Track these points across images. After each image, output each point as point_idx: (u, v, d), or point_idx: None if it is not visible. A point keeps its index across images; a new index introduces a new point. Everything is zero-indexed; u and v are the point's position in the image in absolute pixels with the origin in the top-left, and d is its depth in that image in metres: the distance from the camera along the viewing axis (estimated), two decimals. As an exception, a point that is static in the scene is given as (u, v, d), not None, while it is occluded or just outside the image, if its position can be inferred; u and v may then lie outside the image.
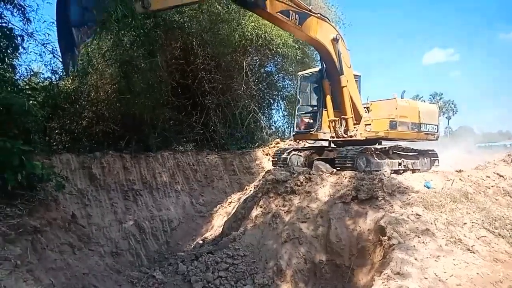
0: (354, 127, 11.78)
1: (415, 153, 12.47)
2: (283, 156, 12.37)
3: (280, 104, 22.56)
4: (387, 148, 11.59)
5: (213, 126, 17.54)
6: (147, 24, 13.75)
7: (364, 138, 11.65)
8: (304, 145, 15.34)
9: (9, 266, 4.98)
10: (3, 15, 8.36)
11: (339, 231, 8.37)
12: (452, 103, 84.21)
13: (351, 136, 11.79)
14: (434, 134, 13.01)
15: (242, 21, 16.37)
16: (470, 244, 6.85)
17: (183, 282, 8.27)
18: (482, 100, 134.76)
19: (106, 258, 9.26)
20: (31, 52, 10.22)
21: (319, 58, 13.07)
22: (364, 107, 12.15)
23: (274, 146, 18.04)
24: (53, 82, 12.28)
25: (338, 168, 10.71)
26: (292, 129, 15.65)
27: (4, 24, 8.15)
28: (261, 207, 9.97)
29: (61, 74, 12.54)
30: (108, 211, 12.37)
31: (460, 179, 9.81)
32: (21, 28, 8.88)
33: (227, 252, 8.78)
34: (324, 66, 11.92)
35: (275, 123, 22.83)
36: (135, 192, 13.40)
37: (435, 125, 13.05)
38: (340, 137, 11.93)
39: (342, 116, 11.80)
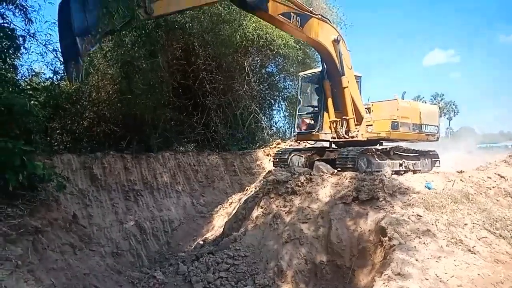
0: (356, 128, 11.78)
1: (416, 154, 12.48)
2: (284, 156, 12.36)
3: (281, 105, 22.62)
4: (388, 149, 11.59)
5: (214, 126, 17.54)
6: (148, 25, 13.76)
7: (366, 139, 11.64)
8: (305, 145, 15.35)
9: (10, 266, 4.99)
10: (5, 16, 8.38)
11: (340, 231, 8.36)
12: (453, 104, 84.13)
13: (352, 137, 11.78)
14: (434, 135, 13.01)
15: (244, 21, 16.40)
16: (471, 245, 6.84)
17: (184, 282, 8.28)
18: (482, 101, 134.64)
19: (107, 259, 9.26)
20: (32, 52, 10.25)
21: (320, 59, 13.07)
22: (365, 108, 12.14)
23: (275, 147, 18.04)
24: (55, 83, 12.28)
25: (339, 169, 10.70)
26: (293, 129, 15.69)
27: (6, 24, 8.16)
28: (262, 207, 9.97)
29: (63, 74, 12.57)
30: (109, 211, 12.37)
31: (461, 180, 9.79)
32: (23, 28, 8.90)
33: (228, 253, 8.78)
34: (325, 67, 11.92)
35: (276, 124, 22.90)
36: (136, 192, 13.41)
37: (435, 126, 13.05)
38: (342, 138, 11.93)
39: (343, 117, 11.79)
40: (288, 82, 21.99)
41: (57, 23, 7.17)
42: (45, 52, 10.64)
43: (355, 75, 12.07)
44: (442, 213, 7.82)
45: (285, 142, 18.95)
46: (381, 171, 10.31)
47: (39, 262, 6.16)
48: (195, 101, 17.28)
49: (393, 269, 6.13)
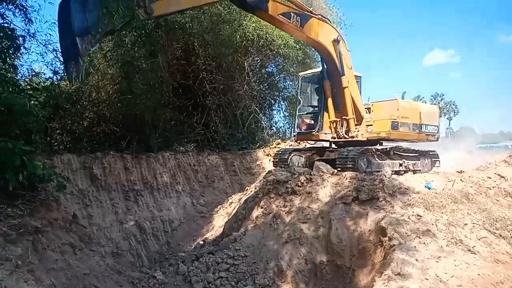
0: (356, 128, 11.77)
1: (416, 154, 12.48)
2: (284, 156, 12.36)
3: (281, 105, 22.62)
4: (388, 149, 11.59)
5: (214, 126, 17.54)
6: (148, 25, 13.76)
7: (366, 139, 11.64)
8: (305, 145, 15.36)
9: (10, 266, 4.99)
10: (5, 16, 8.38)
11: (340, 231, 8.36)
12: (453, 104, 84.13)
13: (352, 137, 11.77)
14: (434, 135, 13.01)
15: (244, 21, 16.41)
16: (471, 245, 6.84)
17: (184, 282, 8.28)
18: (482, 101, 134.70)
19: (107, 259, 9.26)
20: (32, 52, 10.25)
21: (320, 59, 13.07)
22: (365, 108, 12.14)
23: (275, 147, 18.04)
24: (55, 83, 12.28)
25: (339, 169, 10.70)
26: (293, 129, 15.69)
27: (6, 24, 8.16)
28: (261, 207, 9.97)
29: (63, 74, 12.58)
30: (109, 211, 12.37)
31: (461, 180, 9.79)
32: (23, 28, 8.90)
33: (228, 253, 8.78)
34: (325, 67, 11.91)
35: (276, 124, 22.90)
36: (136, 192, 13.41)
37: (435, 126, 13.05)
38: (342, 138, 11.92)
39: (343, 117, 11.79)
40: (288, 82, 22.01)
41: (57, 23, 7.17)
42: (45, 52, 10.64)
43: (355, 75, 12.07)
44: (442, 213, 7.82)
45: (285, 142, 18.95)
46: (381, 171, 10.31)
47: (39, 262, 6.17)
48: (195, 101, 17.28)
49: (393, 269, 6.13)
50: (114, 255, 11.20)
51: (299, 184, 9.81)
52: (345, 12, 22.33)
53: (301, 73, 13.51)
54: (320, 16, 11.07)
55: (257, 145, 19.30)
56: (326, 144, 13.01)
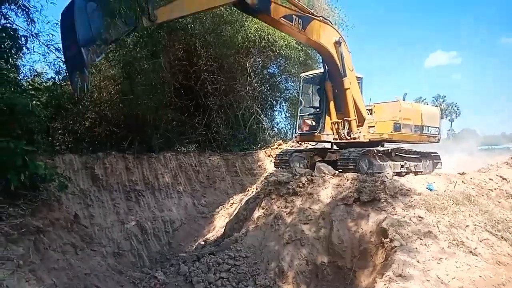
0: (358, 129, 11.75)
1: (418, 156, 12.46)
2: (285, 157, 12.35)
3: (283, 106, 22.61)
4: (389, 150, 11.57)
5: (215, 127, 17.54)
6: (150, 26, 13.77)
7: (368, 140, 11.61)
8: (306, 146, 15.35)
9: (12, 266, 5.00)
10: (7, 16, 8.42)
11: (341, 233, 8.35)
12: (455, 106, 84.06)
13: (354, 138, 11.75)
14: (435, 137, 12.99)
15: (245, 22, 16.42)
16: (473, 247, 6.83)
17: (185, 283, 8.28)
18: (484, 103, 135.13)
19: (108, 259, 9.27)
20: (34, 52, 10.29)
21: (321, 60, 13.06)
22: (367, 109, 12.12)
23: (277, 148, 18.04)
24: (57, 83, 12.32)
25: (340, 170, 10.68)
26: (294, 130, 15.68)
27: (8, 25, 8.20)
28: (263, 208, 9.97)
29: (65, 74, 12.60)
30: (111, 211, 12.39)
31: (462, 181, 9.78)
32: (25, 28, 8.95)
33: (229, 253, 8.77)
34: (327, 68, 11.91)
35: (277, 125, 22.87)
36: (138, 192, 13.42)
37: (436, 127, 13.03)
38: (343, 139, 11.91)
39: (345, 118, 11.77)
40: (290, 83, 22.03)
41: (60, 32, 7.15)
42: (47, 52, 10.69)
43: (356, 76, 12.05)
44: (443, 214, 7.81)
45: (286, 143, 18.95)
46: (383, 172, 10.31)
47: (40, 262, 6.18)
48: (197, 102, 17.29)
49: (394, 271, 6.13)
50: (115, 255, 11.21)
51: (301, 185, 9.81)
52: (346, 13, 22.28)
53: (302, 74, 13.51)
54: (321, 18, 11.07)
55: (259, 146, 19.30)
56: (328, 145, 13.01)
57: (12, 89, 7.85)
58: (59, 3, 10.05)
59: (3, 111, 6.75)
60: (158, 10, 7.47)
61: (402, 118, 11.46)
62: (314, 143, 13.96)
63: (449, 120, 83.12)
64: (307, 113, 12.77)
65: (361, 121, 11.84)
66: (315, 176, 10.25)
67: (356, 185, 9.13)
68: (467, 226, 7.50)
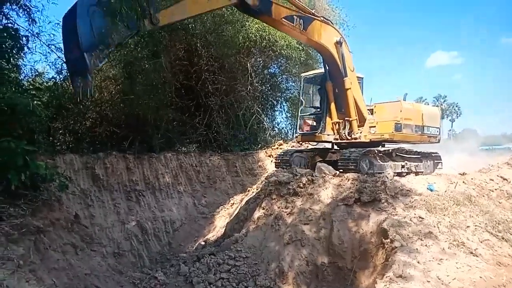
0: (359, 129, 11.74)
1: (418, 156, 12.44)
2: (286, 157, 12.35)
3: (284, 106, 22.61)
4: (390, 151, 11.56)
5: (216, 127, 17.54)
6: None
7: (369, 140, 11.60)
8: (307, 147, 15.34)
9: (12, 266, 5.00)
10: (9, 16, 8.43)
11: (342, 233, 8.35)
12: (456, 106, 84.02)
13: (355, 138, 11.74)
14: (436, 137, 12.97)
15: (246, 22, 16.41)
16: (473, 248, 6.82)
17: (185, 283, 8.27)
18: (484, 103, 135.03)
19: (108, 259, 9.29)
20: (36, 52, 10.29)
21: (322, 60, 13.05)
22: (368, 109, 12.11)
23: (277, 148, 18.04)
24: (58, 83, 12.33)
25: (341, 170, 10.69)
26: (295, 130, 15.68)
27: (9, 25, 8.21)
28: (263, 208, 9.96)
29: (65, 74, 12.60)
30: (111, 211, 12.39)
31: (463, 182, 9.77)
32: (26, 28, 8.96)
33: (229, 254, 8.77)
34: (327, 68, 11.90)
35: (278, 125, 22.85)
36: (138, 192, 13.42)
37: (437, 127, 13.01)
38: (344, 139, 11.90)
39: (346, 118, 11.76)
40: (291, 83, 22.02)
41: (62, 37, 7.12)
42: (49, 52, 10.70)
43: (357, 76, 12.04)
44: (444, 215, 7.80)
45: (287, 143, 18.95)
46: (383, 172, 10.29)
47: (40, 262, 6.18)
48: (198, 102, 17.29)
49: (395, 271, 6.12)
50: (115, 255, 11.21)
51: (301, 185, 9.80)
52: (347, 12, 22.24)
53: (303, 74, 13.51)
54: (322, 18, 11.06)
55: (259, 146, 19.31)
56: (328, 146, 13.01)
57: (13, 89, 7.85)
58: (60, 3, 10.09)
59: (4, 111, 6.76)
60: (160, 13, 7.46)
61: (403, 118, 11.44)
62: (314, 143, 13.96)
63: (450, 120, 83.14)
64: (308, 113, 12.78)
65: (362, 121, 11.83)
66: (316, 176, 10.25)
67: (356, 185, 9.12)
68: (467, 226, 7.50)
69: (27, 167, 6.52)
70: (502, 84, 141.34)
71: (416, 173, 11.76)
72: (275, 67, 21.46)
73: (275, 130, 21.62)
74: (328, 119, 11.94)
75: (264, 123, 19.42)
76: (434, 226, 7.32)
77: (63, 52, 8.42)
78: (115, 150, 13.80)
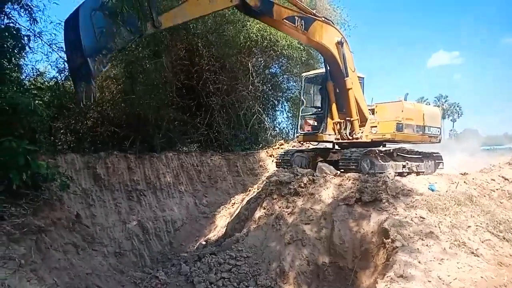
0: (360, 129, 11.73)
1: (420, 156, 12.43)
2: (287, 157, 12.35)
3: (285, 106, 22.65)
4: (391, 151, 11.55)
5: (217, 127, 17.55)
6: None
7: (370, 140, 11.60)
8: (308, 146, 15.34)
9: (13, 265, 5.01)
10: (10, 15, 8.43)
11: (343, 233, 8.34)
12: (457, 106, 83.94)
13: (356, 138, 11.73)
14: (437, 137, 12.95)
15: (247, 22, 16.42)
16: (474, 248, 6.81)
17: (186, 283, 8.27)
18: (484, 103, 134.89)
19: (110, 258, 9.29)
20: (37, 52, 10.29)
21: (323, 60, 13.05)
22: (369, 109, 12.10)
23: (278, 148, 18.05)
24: (59, 82, 12.33)
25: (342, 170, 10.68)
26: (296, 130, 15.67)
27: (11, 24, 8.21)
28: (264, 208, 9.96)
29: (67, 74, 12.62)
30: (112, 211, 12.41)
31: (464, 182, 9.74)
32: (28, 28, 8.96)
33: (230, 253, 8.77)
34: (328, 68, 11.89)
35: (279, 125, 22.88)
36: (139, 192, 13.43)
37: (438, 127, 13.00)
38: (345, 139, 11.89)
39: (347, 118, 11.75)
40: (292, 83, 22.06)
41: (64, 41, 7.11)
42: (50, 51, 10.69)
43: (358, 76, 12.03)
44: (445, 215, 7.79)
45: (288, 143, 18.96)
46: (384, 172, 10.27)
47: (42, 261, 6.18)
48: (199, 102, 17.30)
49: (396, 271, 6.12)
50: (116, 255, 11.23)
51: (302, 185, 9.80)
52: (349, 13, 22.26)
53: (304, 74, 13.51)
54: (323, 19, 11.05)
55: (260, 146, 19.32)
56: (329, 145, 12.99)
57: (15, 89, 7.86)
58: (61, 3, 10.08)
59: (6, 110, 6.76)
60: (161, 16, 7.47)
61: (405, 118, 11.44)
62: (315, 143, 13.96)
63: (451, 120, 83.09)
64: (309, 113, 12.77)
65: (363, 121, 11.82)
66: (317, 176, 10.23)
67: (357, 185, 9.11)
68: (468, 226, 7.48)
69: (29, 167, 6.53)
70: (502, 84, 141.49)
71: (417, 173, 11.74)
72: (276, 67, 21.52)
73: (276, 130, 21.64)
74: (329, 119, 11.93)
75: (265, 123, 19.44)
76: (435, 226, 7.31)
77: (65, 57, 8.41)
78: (116, 149, 13.83)
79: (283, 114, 23.08)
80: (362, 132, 11.69)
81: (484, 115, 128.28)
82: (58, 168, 9.15)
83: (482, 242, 7.09)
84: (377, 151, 11.12)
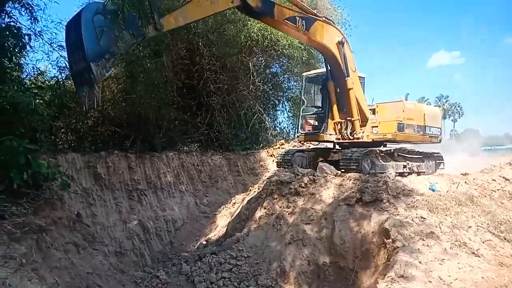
0: (361, 129, 11.72)
1: (420, 156, 12.42)
2: (288, 157, 12.34)
3: (285, 105, 22.65)
4: (392, 151, 11.54)
5: (218, 126, 17.55)
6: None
7: (371, 140, 11.59)
8: (309, 146, 15.33)
9: (14, 265, 5.01)
10: (11, 14, 8.44)
11: (343, 233, 8.34)
12: (458, 106, 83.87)
13: (357, 138, 11.72)
14: (437, 137, 12.93)
15: (248, 22, 16.41)
16: (475, 248, 6.80)
17: (187, 282, 8.26)
18: (485, 103, 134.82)
19: (110, 258, 9.29)
20: (38, 51, 10.31)
21: (323, 60, 13.04)
22: (370, 109, 12.08)
23: (279, 147, 18.04)
24: (60, 81, 12.34)
25: (343, 170, 10.67)
26: (296, 130, 15.67)
27: (12, 23, 8.22)
28: (265, 208, 9.96)
29: (68, 73, 12.62)
30: (113, 210, 12.41)
31: (465, 182, 9.73)
32: (29, 27, 8.98)
33: (231, 253, 8.77)
34: (329, 68, 11.88)
35: (280, 124, 22.90)
36: (140, 192, 13.44)
37: (438, 127, 12.98)
38: (346, 139, 11.88)
39: (348, 118, 11.74)
40: (293, 83, 22.06)
41: (66, 45, 7.09)
42: (51, 50, 10.72)
43: (358, 76, 12.01)
44: (446, 215, 7.78)
45: (288, 142, 18.94)
46: (385, 172, 10.27)
47: (42, 260, 6.18)
48: (199, 101, 17.30)
49: (396, 271, 6.11)
50: (117, 254, 11.22)
51: (303, 185, 9.79)
52: (350, 12, 22.27)
53: (305, 74, 13.49)
54: (324, 18, 11.03)
55: (261, 146, 19.31)
56: (330, 145, 12.99)
57: (15, 88, 7.87)
58: (62, 2, 10.11)
59: (6, 109, 6.77)
60: (163, 19, 7.45)
61: (406, 118, 11.42)
62: (316, 143, 13.95)
63: (452, 120, 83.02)
64: (310, 113, 12.77)
65: (364, 121, 11.81)
66: (317, 176, 10.23)
67: (358, 185, 9.10)
68: (469, 227, 7.48)
69: (29, 166, 6.53)
70: (503, 84, 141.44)
71: (418, 173, 11.72)
72: (277, 66, 21.51)
73: (276, 130, 21.64)
74: (330, 118, 11.92)
75: (266, 122, 19.44)
76: (436, 226, 7.30)
77: (67, 59, 8.38)
78: (117, 149, 13.83)
79: (283, 113, 23.16)
80: (363, 132, 11.68)
81: (485, 115, 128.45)
82: (58, 167, 9.14)
83: (483, 242, 7.08)
84: (378, 151, 11.11)
